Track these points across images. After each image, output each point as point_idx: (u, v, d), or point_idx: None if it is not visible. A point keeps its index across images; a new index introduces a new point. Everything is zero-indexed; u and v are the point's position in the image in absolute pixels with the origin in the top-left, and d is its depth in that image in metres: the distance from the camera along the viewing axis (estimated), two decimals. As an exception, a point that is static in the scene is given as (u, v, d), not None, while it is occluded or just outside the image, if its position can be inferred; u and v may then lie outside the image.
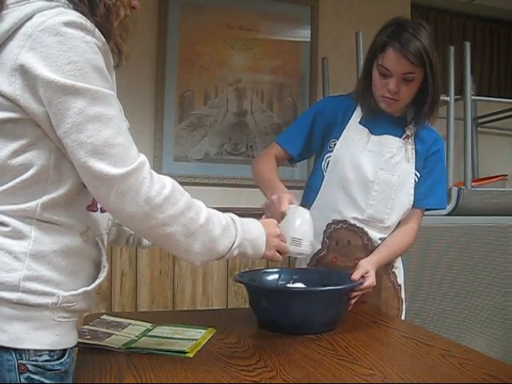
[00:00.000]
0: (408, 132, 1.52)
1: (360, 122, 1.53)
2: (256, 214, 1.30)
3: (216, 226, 0.92)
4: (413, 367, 0.99)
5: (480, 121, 3.22)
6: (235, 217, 0.99)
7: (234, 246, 0.95)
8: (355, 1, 2.92)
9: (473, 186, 2.60)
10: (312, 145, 1.59)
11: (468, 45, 2.62)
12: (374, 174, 1.48)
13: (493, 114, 3.14)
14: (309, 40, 2.80)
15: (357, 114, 1.54)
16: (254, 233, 1.00)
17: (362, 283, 1.33)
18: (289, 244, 1.20)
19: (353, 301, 1.35)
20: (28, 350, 0.81)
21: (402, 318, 1.61)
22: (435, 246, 2.47)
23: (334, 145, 1.53)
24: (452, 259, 2.51)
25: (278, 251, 1.07)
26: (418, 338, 1.18)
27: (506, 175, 2.93)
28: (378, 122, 1.52)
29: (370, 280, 1.36)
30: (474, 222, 2.56)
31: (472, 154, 2.71)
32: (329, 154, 1.53)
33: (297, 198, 1.38)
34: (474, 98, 2.84)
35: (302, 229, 1.25)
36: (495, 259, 2.60)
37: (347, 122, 1.53)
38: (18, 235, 0.82)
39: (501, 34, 3.62)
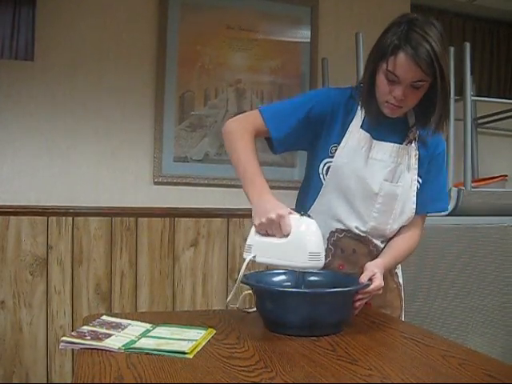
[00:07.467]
0: (411, 136, 1.45)
1: (361, 127, 1.44)
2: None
3: None
4: (412, 368, 0.99)
5: (480, 121, 3.23)
6: None
7: None
8: (355, 1, 2.92)
9: (473, 187, 2.60)
10: (299, 135, 1.45)
11: (468, 45, 2.62)
12: (378, 185, 1.43)
13: (493, 114, 3.15)
14: (309, 40, 2.81)
15: (358, 118, 1.45)
16: None
17: (369, 285, 1.29)
18: (307, 260, 1.17)
19: (359, 303, 1.30)
20: None
21: (403, 316, 1.61)
22: (435, 246, 2.47)
23: (335, 150, 1.44)
24: (452, 259, 2.52)
25: None
26: (417, 338, 1.18)
27: (506, 175, 2.93)
28: (379, 125, 1.44)
29: (378, 282, 1.32)
30: (473, 222, 2.56)
31: (472, 154, 2.71)
32: (329, 160, 1.45)
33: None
34: (473, 98, 2.84)
35: (316, 242, 1.20)
36: (495, 259, 2.60)
37: (348, 126, 1.45)
38: None
39: (501, 35, 3.63)
